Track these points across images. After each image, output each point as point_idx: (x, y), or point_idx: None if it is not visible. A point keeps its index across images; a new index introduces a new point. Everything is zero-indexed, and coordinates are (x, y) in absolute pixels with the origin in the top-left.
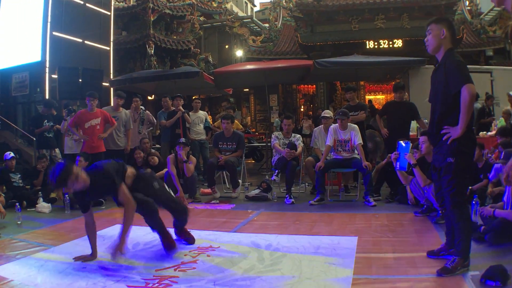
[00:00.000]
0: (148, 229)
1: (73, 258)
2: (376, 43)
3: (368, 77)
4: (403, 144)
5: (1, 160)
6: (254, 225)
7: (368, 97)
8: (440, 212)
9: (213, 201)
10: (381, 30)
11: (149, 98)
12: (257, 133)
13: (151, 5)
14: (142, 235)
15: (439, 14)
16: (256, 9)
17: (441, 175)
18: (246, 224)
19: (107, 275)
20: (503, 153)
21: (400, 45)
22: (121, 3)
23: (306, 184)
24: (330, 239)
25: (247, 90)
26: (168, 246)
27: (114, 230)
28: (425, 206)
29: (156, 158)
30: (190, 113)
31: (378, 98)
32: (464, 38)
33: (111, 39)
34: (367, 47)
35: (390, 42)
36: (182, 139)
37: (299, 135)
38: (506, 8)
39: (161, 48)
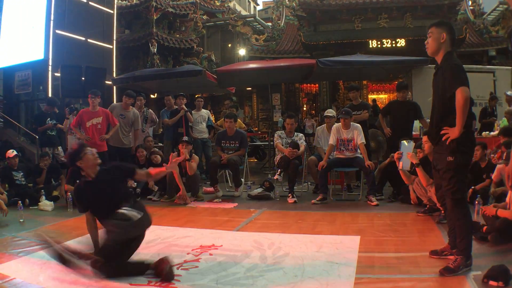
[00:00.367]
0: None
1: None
2: (379, 43)
3: (371, 77)
4: (406, 144)
5: (4, 158)
6: (256, 224)
7: (371, 96)
8: (442, 212)
9: (215, 200)
10: (384, 29)
11: (152, 96)
12: (259, 132)
13: (154, 4)
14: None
15: (442, 13)
16: (259, 8)
17: (441, 174)
18: (248, 223)
19: None
20: (505, 154)
21: (403, 45)
22: (124, 2)
23: (309, 183)
24: (332, 239)
25: (250, 89)
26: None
27: None
28: (427, 206)
29: (158, 156)
30: (192, 111)
31: (381, 98)
32: (467, 38)
33: (114, 38)
34: (370, 46)
35: (393, 42)
36: (185, 138)
37: (301, 134)
38: None
39: (164, 46)
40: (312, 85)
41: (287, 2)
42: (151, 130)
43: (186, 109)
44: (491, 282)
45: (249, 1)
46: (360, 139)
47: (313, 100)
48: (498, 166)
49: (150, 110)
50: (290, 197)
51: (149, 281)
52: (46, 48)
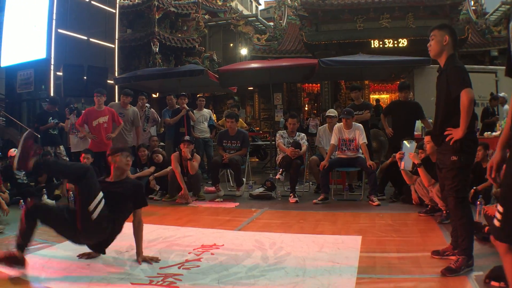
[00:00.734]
0: (152, 227)
1: (77, 256)
2: (381, 42)
3: (373, 77)
4: (408, 144)
5: (6, 157)
6: (258, 224)
7: (373, 96)
8: (444, 212)
9: (217, 199)
10: (386, 29)
11: (154, 96)
12: (261, 132)
13: (156, 3)
14: (147, 232)
15: (444, 13)
16: (261, 7)
17: (445, 173)
18: (250, 222)
19: (111, 273)
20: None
21: (405, 45)
22: (126, 1)
23: (310, 183)
24: (334, 238)
25: (252, 88)
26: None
27: None
28: (429, 206)
29: (160, 156)
30: (194, 111)
31: (383, 98)
32: (469, 38)
33: (116, 37)
34: (372, 46)
35: (395, 42)
36: (187, 137)
37: (303, 134)
38: None
39: (166, 46)
40: (314, 85)
41: (289, 2)
42: (154, 129)
43: (187, 108)
44: (493, 283)
45: (251, 1)
46: (362, 139)
47: (315, 100)
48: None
49: (152, 109)
50: (292, 196)
51: (151, 280)
52: (48, 47)
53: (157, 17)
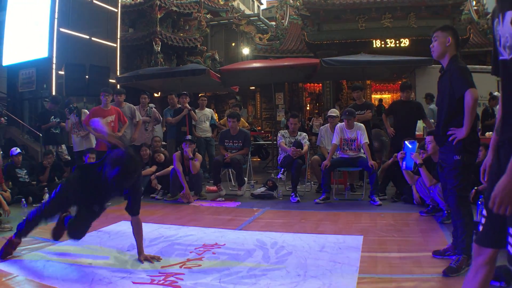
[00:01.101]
0: (154, 226)
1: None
2: (383, 42)
3: (375, 76)
4: (409, 144)
5: (8, 156)
6: (259, 223)
7: (375, 96)
8: (445, 212)
9: (218, 199)
10: (388, 29)
11: (156, 95)
12: (263, 131)
13: (158, 2)
14: (148, 231)
15: (446, 13)
16: (263, 7)
17: (447, 172)
18: (251, 222)
19: (112, 271)
20: None
21: (407, 44)
22: (128, 0)
23: (312, 182)
24: (335, 238)
25: (253, 88)
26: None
27: (120, 227)
28: (430, 206)
29: (162, 155)
30: (196, 110)
31: (385, 97)
32: (470, 38)
33: (118, 36)
34: (374, 46)
35: (397, 41)
36: (189, 137)
37: (305, 134)
38: None
39: (168, 45)
40: (316, 84)
41: (291, 2)
42: (160, 129)
43: (189, 107)
44: (493, 283)
45: (253, 0)
46: (363, 138)
47: (317, 100)
48: None
49: (154, 108)
50: (293, 196)
51: (152, 279)
52: (50, 46)
53: (159, 16)
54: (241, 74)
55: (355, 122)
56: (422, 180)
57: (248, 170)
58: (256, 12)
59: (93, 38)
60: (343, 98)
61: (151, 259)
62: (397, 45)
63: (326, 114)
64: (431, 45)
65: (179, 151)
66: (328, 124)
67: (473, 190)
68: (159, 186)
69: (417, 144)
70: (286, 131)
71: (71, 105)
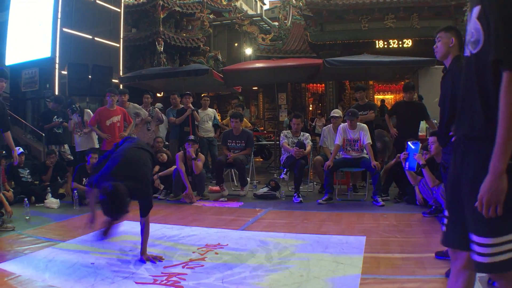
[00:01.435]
0: (157, 226)
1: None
2: (385, 43)
3: (378, 77)
4: (412, 145)
5: (10, 155)
6: (262, 223)
7: (377, 96)
8: None
9: (221, 199)
10: (390, 29)
11: (158, 95)
12: (265, 132)
13: (161, 2)
14: (151, 231)
15: (449, 14)
16: (265, 7)
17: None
18: (254, 222)
19: (115, 271)
20: None
21: (409, 45)
22: (131, 0)
23: (315, 183)
24: (338, 238)
25: (256, 88)
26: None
27: (123, 227)
28: (433, 207)
29: (165, 155)
30: (199, 110)
31: (387, 98)
32: None
33: (121, 36)
34: (377, 46)
35: (400, 42)
36: (191, 137)
37: (308, 134)
38: None
39: (171, 45)
40: (318, 85)
41: (294, 2)
42: (164, 130)
43: (193, 108)
44: (494, 283)
45: (255, 1)
46: (366, 139)
47: (319, 100)
48: None
49: (156, 108)
50: (296, 196)
51: (155, 279)
52: (53, 46)
53: (162, 16)
54: (243, 74)
55: (358, 123)
56: (425, 181)
57: (250, 170)
58: (259, 12)
59: (96, 38)
60: (346, 99)
61: (153, 258)
62: (400, 45)
63: (329, 115)
64: (434, 46)
65: (182, 151)
66: (331, 124)
67: None
68: (162, 186)
69: (420, 144)
70: (289, 131)
71: (73, 105)
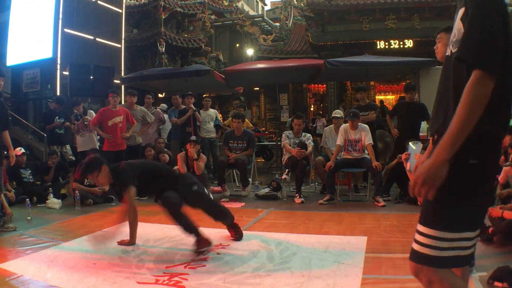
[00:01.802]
0: (158, 226)
1: (117, 242)
2: (386, 43)
3: (379, 77)
4: (413, 145)
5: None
6: (263, 224)
7: (378, 97)
8: None
9: (223, 200)
10: (392, 30)
11: (160, 96)
12: (267, 132)
13: (163, 3)
14: (153, 231)
15: (450, 14)
16: (267, 8)
17: None
18: (256, 222)
19: (117, 272)
20: (511, 156)
21: (410, 46)
22: (133, 1)
23: (316, 183)
24: (339, 239)
25: (258, 89)
26: (199, 245)
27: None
28: None
29: (166, 156)
30: (200, 111)
31: (388, 99)
32: None
33: (123, 37)
34: (378, 47)
35: (401, 42)
36: (193, 137)
37: (309, 135)
38: None
39: (172, 46)
40: (320, 85)
41: (295, 2)
42: (165, 132)
43: (194, 108)
44: (496, 283)
45: (257, 1)
46: (367, 139)
47: (321, 101)
48: (504, 168)
49: (157, 109)
50: (297, 197)
51: (157, 279)
52: (55, 46)
53: (163, 17)
54: (245, 75)
55: (359, 123)
56: None
57: (252, 170)
58: (260, 13)
59: (97, 39)
60: (347, 99)
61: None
62: (401, 46)
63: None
64: (435, 47)
65: (183, 152)
66: (332, 125)
67: None
68: None
69: (421, 145)
70: (291, 131)
71: (76, 112)
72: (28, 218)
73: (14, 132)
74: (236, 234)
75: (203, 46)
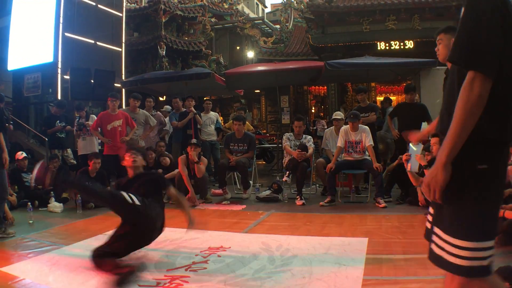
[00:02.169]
0: None
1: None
2: (387, 44)
3: (379, 79)
4: (414, 147)
5: (13, 160)
6: (265, 226)
7: (379, 98)
8: None
9: (224, 202)
10: (392, 31)
11: (161, 99)
12: (268, 134)
13: (163, 7)
14: None
15: (450, 15)
16: (267, 10)
17: None
18: (257, 225)
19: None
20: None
21: (411, 46)
22: (133, 5)
23: (317, 185)
24: (340, 240)
25: (258, 91)
26: None
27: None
28: None
29: (167, 159)
30: (201, 114)
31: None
32: None
33: (123, 40)
34: (378, 48)
35: (401, 43)
36: (194, 140)
37: (310, 137)
38: None
39: (173, 49)
40: (321, 87)
41: (295, 5)
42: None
43: (195, 111)
44: None
45: (257, 4)
46: (368, 141)
47: (322, 102)
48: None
49: (158, 112)
50: (298, 199)
51: (158, 282)
52: (56, 50)
53: (163, 20)
54: (246, 78)
55: (359, 125)
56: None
57: (253, 173)
58: (260, 15)
59: (98, 43)
60: (348, 101)
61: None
62: (402, 47)
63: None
64: (436, 49)
65: (184, 155)
66: (333, 127)
67: None
68: None
69: (422, 146)
70: (291, 134)
71: (79, 120)
72: (30, 222)
73: (15, 136)
74: None
75: (203, 49)
